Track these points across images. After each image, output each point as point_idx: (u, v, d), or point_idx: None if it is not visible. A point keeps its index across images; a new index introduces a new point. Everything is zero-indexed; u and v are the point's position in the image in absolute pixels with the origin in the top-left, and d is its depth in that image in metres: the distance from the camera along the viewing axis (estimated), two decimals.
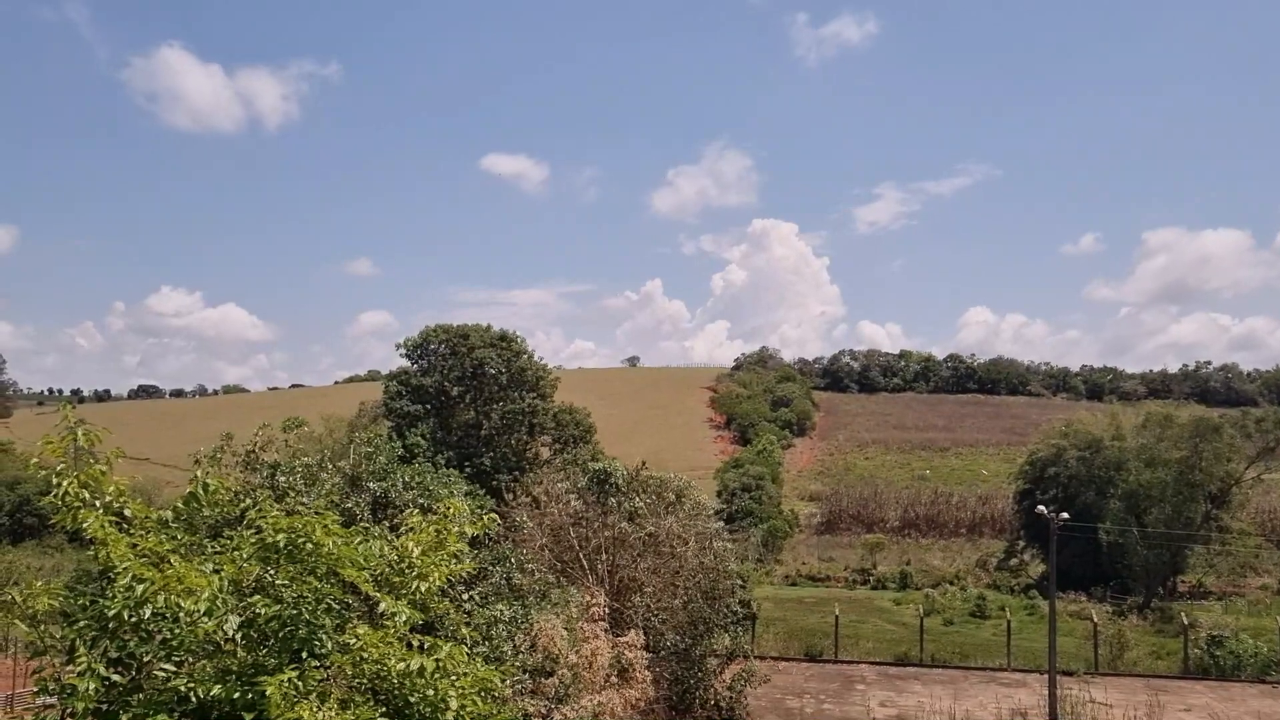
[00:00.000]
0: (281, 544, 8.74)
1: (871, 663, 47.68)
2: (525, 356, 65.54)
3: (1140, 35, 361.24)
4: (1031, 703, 39.68)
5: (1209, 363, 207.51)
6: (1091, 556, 65.57)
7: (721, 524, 37.15)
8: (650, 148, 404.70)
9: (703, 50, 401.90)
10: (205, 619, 7.98)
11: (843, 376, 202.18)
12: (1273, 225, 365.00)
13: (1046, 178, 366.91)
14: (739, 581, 36.55)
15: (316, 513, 9.23)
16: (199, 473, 9.48)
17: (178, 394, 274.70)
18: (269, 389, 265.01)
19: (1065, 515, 40.21)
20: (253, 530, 9.15)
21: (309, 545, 8.73)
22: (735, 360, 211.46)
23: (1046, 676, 38.72)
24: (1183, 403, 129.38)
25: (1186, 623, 48.06)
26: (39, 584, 8.70)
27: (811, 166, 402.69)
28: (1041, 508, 43.53)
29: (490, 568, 22.22)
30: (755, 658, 37.41)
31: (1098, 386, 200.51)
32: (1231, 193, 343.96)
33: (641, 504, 31.85)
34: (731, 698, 31.55)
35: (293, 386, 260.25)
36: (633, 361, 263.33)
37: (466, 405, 64.80)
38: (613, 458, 40.03)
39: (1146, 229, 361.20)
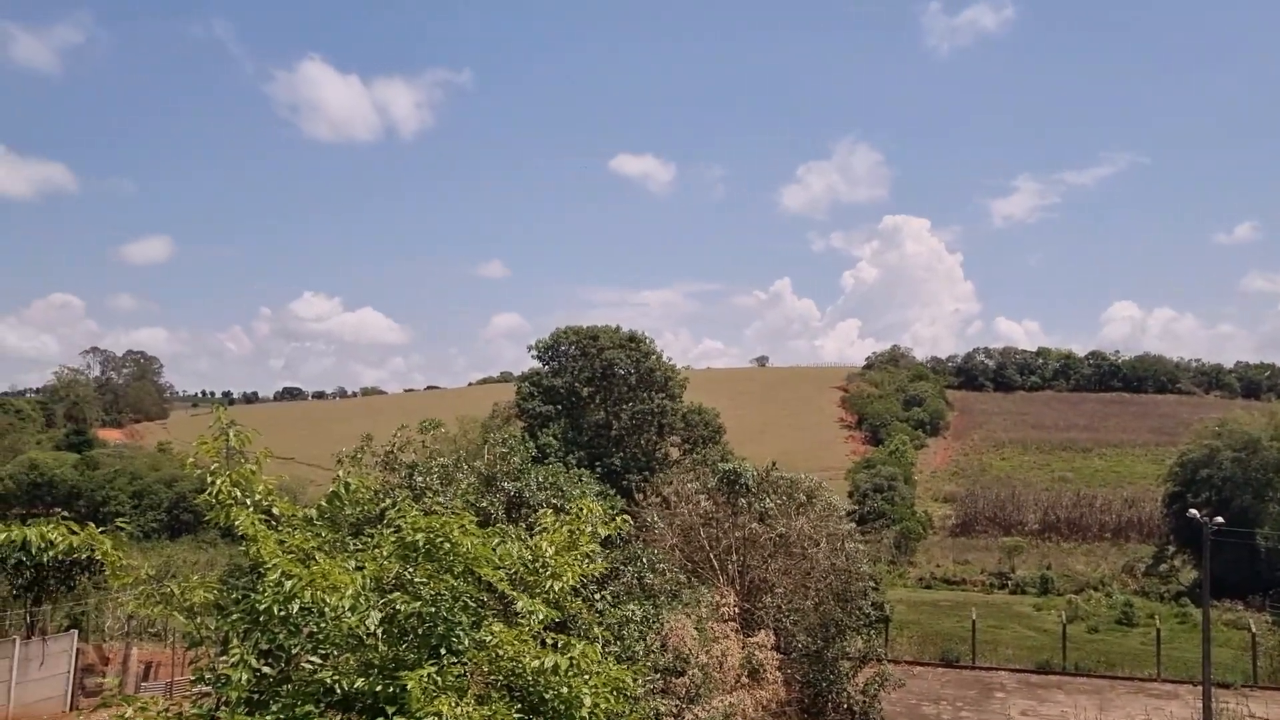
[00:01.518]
0: (420, 543, 8.96)
1: (1011, 669, 46.40)
2: (654, 357, 65.88)
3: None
4: (1184, 715, 38.05)
5: None
6: (1248, 563, 62.39)
7: (853, 525, 36.69)
8: (779, 144, 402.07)
9: (831, 43, 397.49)
10: (349, 614, 8.23)
11: (977, 375, 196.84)
12: None
13: (1198, 163, 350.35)
14: (871, 583, 36.00)
15: (453, 512, 9.45)
16: (341, 472, 9.78)
17: (319, 396, 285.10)
18: (405, 390, 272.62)
19: (1220, 519, 38.38)
20: (392, 529, 9.42)
21: (446, 544, 8.93)
22: (866, 359, 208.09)
23: (1200, 688, 36.98)
24: None
25: None
26: (195, 578, 9.14)
27: (944, 160, 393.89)
28: (1193, 511, 41.69)
29: (622, 567, 22.41)
30: (889, 661, 36.77)
31: (1254, 384, 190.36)
32: None
33: (772, 505, 31.67)
34: (865, 702, 31.07)
35: (428, 388, 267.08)
36: (761, 361, 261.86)
37: (596, 406, 65.49)
38: (742, 458, 39.90)
39: None
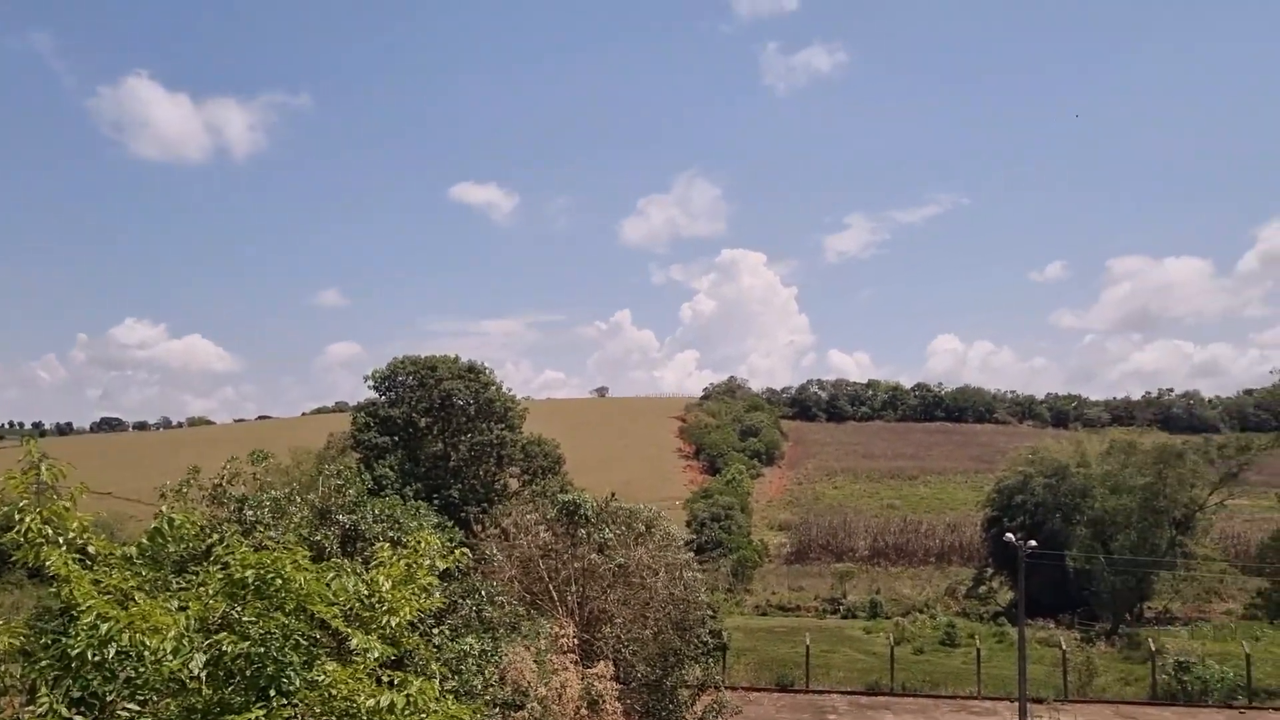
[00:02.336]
0: (249, 579, 8.63)
1: (843, 692, 47.62)
2: (494, 387, 65.34)
3: (1102, 70, 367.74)
4: None
5: (1171, 390, 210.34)
6: (1059, 583, 65.88)
7: (691, 554, 37.08)
8: (621, 177, 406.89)
9: (673, 79, 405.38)
10: (170, 657, 7.86)
11: (811, 406, 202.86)
12: (1233, 253, 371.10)
13: (1015, 205, 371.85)
14: (710, 612, 36.46)
15: (286, 547, 9.14)
16: (164, 507, 9.37)
17: (141, 427, 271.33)
18: (235, 421, 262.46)
19: (1033, 543, 40.51)
20: (219, 566, 9.04)
21: (278, 581, 8.63)
22: (704, 390, 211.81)
23: (1017, 704, 38.82)
24: (1146, 429, 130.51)
25: (1154, 649, 48.41)
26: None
27: (781, 196, 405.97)
28: (1009, 535, 43.83)
29: (460, 601, 22.05)
30: (727, 688, 37.24)
31: (1063, 414, 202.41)
32: (1193, 221, 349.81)
33: (611, 535, 31.73)
34: None
35: (260, 418, 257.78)
36: (602, 392, 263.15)
37: (434, 437, 64.45)
38: (582, 489, 39.90)
39: (1111, 256, 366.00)
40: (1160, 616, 69.72)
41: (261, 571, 8.65)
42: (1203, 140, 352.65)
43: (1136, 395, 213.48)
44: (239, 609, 8.65)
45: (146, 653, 7.81)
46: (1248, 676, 45.96)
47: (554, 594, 31.00)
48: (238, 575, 8.68)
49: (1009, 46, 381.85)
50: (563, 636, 26.52)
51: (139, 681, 7.95)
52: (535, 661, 22.52)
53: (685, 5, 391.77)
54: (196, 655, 7.99)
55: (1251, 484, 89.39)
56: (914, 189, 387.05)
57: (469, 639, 19.46)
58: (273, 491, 19.81)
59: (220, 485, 19.12)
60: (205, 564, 9.51)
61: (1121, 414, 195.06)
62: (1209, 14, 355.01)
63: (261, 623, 8.51)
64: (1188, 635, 57.71)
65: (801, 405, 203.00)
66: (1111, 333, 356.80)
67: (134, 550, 9.24)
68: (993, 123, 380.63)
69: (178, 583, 9.53)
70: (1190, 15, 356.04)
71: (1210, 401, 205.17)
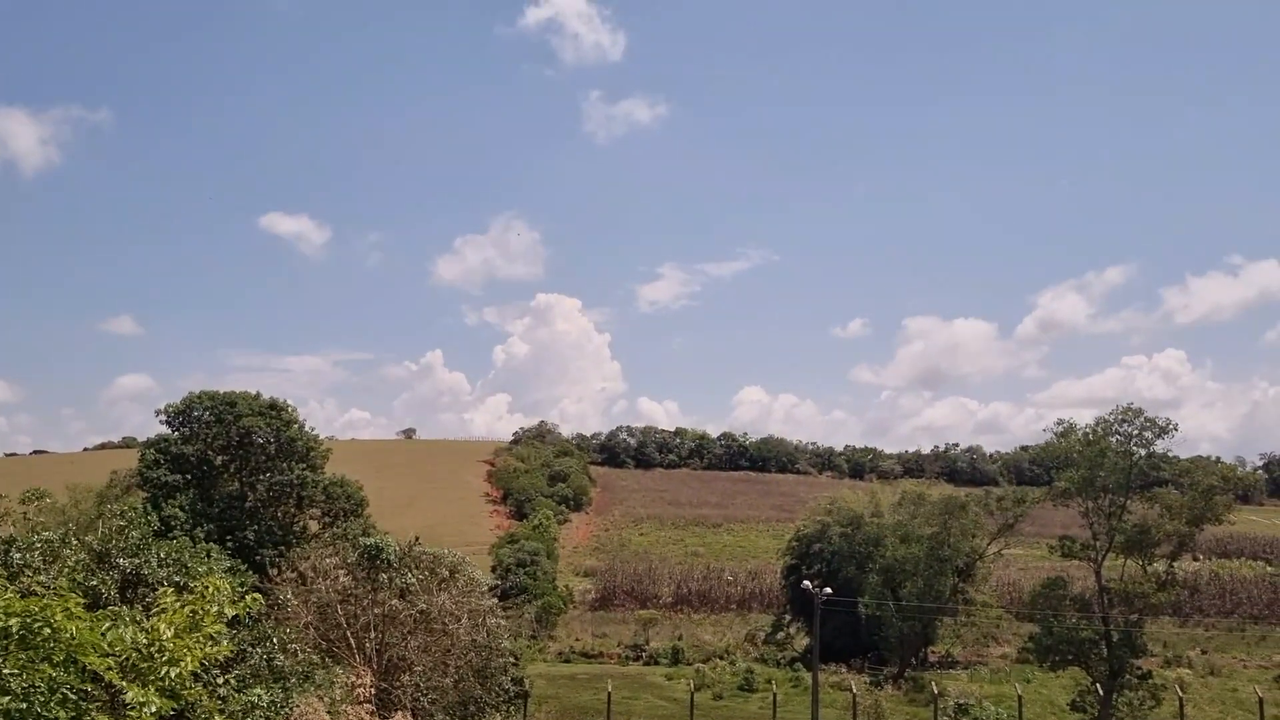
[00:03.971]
0: (13, 629, 8.03)
1: None
2: (296, 426, 63.11)
3: (899, 140, 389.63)
4: None
5: (957, 444, 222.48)
6: (852, 629, 68.39)
7: (495, 600, 36.70)
8: (438, 215, 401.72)
9: (496, 120, 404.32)
10: None
11: (620, 452, 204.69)
12: (1014, 317, 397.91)
13: (820, 263, 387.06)
14: (512, 659, 36.09)
15: (57, 593, 8.55)
16: None
17: None
18: (6, 455, 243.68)
19: (828, 590, 41.96)
20: None
21: (46, 630, 8.05)
22: (514, 434, 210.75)
23: None
24: (934, 481, 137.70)
25: (936, 691, 50.74)
26: None
27: (597, 243, 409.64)
28: (806, 583, 45.28)
29: (250, 649, 21.06)
30: None
31: (860, 465, 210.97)
32: (979, 285, 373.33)
33: (414, 580, 31.10)
34: None
35: (35, 453, 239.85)
36: (409, 433, 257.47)
37: (231, 476, 61.66)
38: (385, 532, 38.96)
39: (907, 315, 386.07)
40: (943, 661, 73.16)
41: (27, 620, 8.06)
42: (990, 208, 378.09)
43: (927, 449, 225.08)
44: (1, 661, 8.03)
45: None
46: (1020, 717, 48.72)
47: (352, 641, 30.06)
48: (0, 625, 8.05)
49: (818, 111, 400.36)
50: (359, 686, 25.71)
51: None
52: (328, 712, 21.74)
53: (511, 49, 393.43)
54: None
55: (1025, 534, 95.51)
56: (726, 243, 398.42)
57: (258, 690, 18.58)
58: (45, 533, 18.50)
59: None
60: None
61: (913, 466, 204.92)
62: (996, 90, 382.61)
63: (26, 675, 7.91)
64: (967, 678, 60.82)
65: (611, 452, 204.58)
66: (905, 389, 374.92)
67: None
68: (802, 182, 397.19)
69: None
70: (978, 91, 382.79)
71: (991, 456, 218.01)
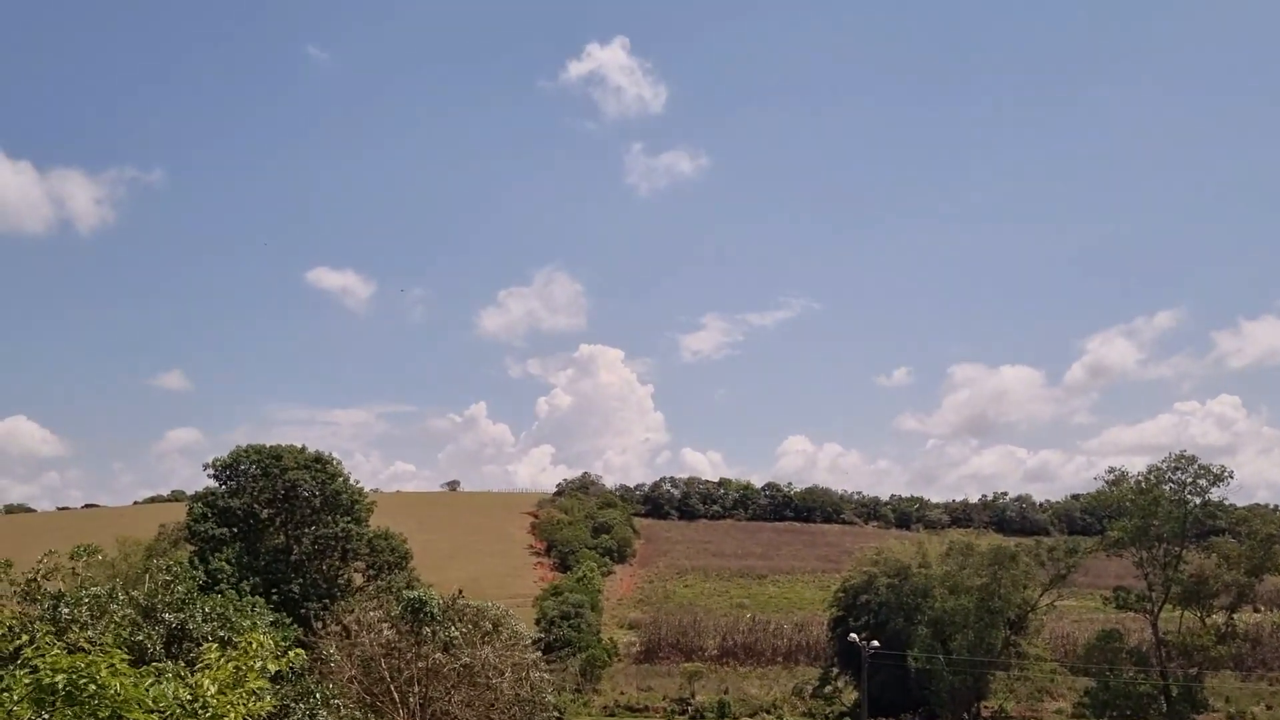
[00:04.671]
0: (60, 685, 8.06)
1: None
2: (340, 479, 63.54)
3: (942, 185, 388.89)
4: None
5: (1005, 493, 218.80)
6: (901, 683, 67.06)
7: (539, 654, 36.49)
8: (481, 268, 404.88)
9: (538, 173, 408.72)
10: None
11: (663, 503, 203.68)
12: (1061, 364, 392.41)
13: (863, 312, 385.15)
14: (555, 713, 35.75)
15: (103, 649, 8.60)
16: None
17: None
18: (58, 509, 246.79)
19: (876, 643, 41.31)
20: (27, 670, 8.42)
21: (91, 686, 8.08)
22: (557, 486, 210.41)
23: None
24: (982, 531, 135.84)
25: None
26: None
27: (639, 294, 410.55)
28: (853, 635, 44.60)
29: (293, 704, 21.04)
30: None
31: (906, 515, 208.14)
32: (1026, 331, 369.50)
33: (457, 633, 31.00)
34: None
35: (86, 506, 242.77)
36: (453, 485, 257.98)
37: (276, 529, 62.10)
38: (429, 585, 38.98)
39: (951, 363, 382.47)
40: (996, 716, 71.50)
41: (74, 676, 8.10)
42: (1035, 253, 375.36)
43: (974, 498, 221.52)
44: (46, 717, 8.06)
45: None
46: None
47: (395, 695, 29.96)
48: (47, 680, 8.10)
49: (858, 159, 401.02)
50: None
51: None
52: None
53: (553, 103, 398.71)
54: None
55: (1079, 585, 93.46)
56: (768, 292, 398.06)
57: None
58: (94, 588, 18.66)
59: (34, 581, 17.92)
60: (12, 668, 8.85)
61: (960, 516, 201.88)
62: (1039, 133, 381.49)
63: None
64: None
65: (654, 503, 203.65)
66: (952, 437, 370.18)
67: None
68: (844, 230, 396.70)
69: None
70: (1021, 136, 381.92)
71: (1041, 505, 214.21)
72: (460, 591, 34.25)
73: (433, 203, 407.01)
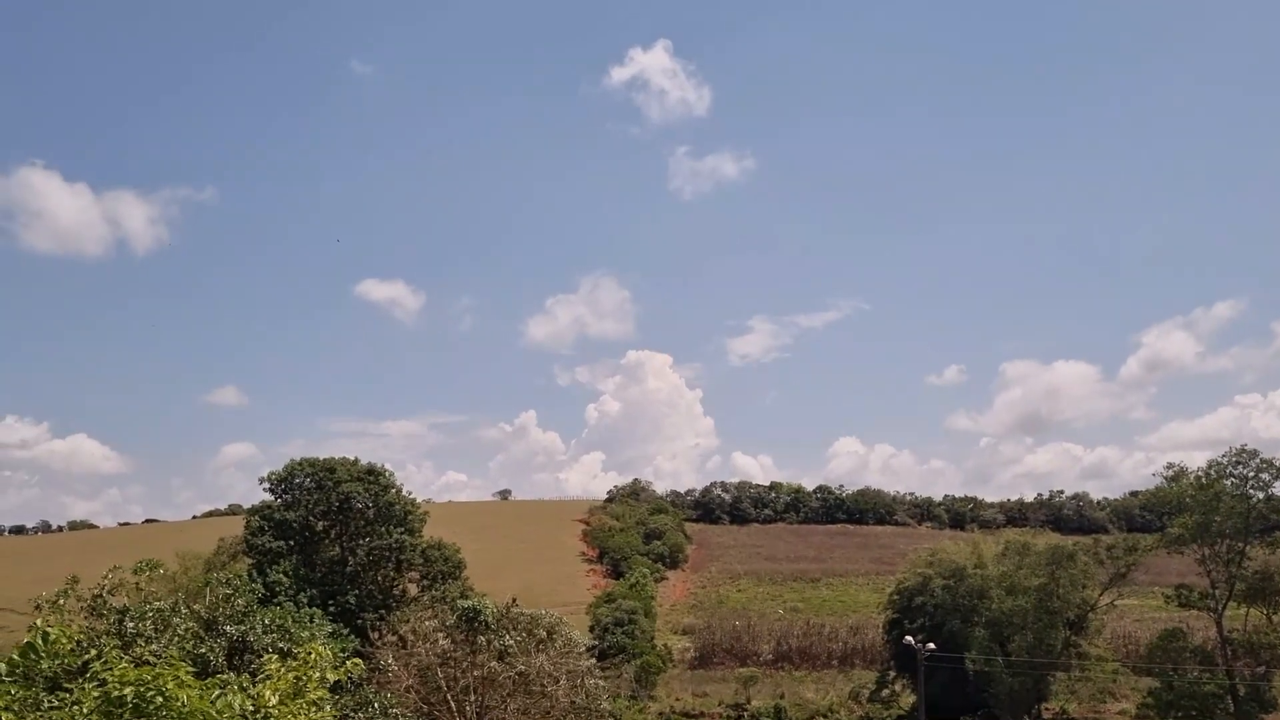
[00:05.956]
0: (128, 698, 8.26)
1: None
2: (393, 490, 64.23)
3: (990, 181, 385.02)
4: None
5: (1062, 491, 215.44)
6: (959, 685, 66.30)
7: (594, 661, 36.58)
8: (527, 277, 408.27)
9: (583, 179, 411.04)
10: None
11: (715, 508, 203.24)
12: (1117, 358, 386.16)
13: (912, 311, 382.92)
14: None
15: (168, 662, 8.79)
16: (39, 620, 8.95)
17: (18, 531, 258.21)
18: (120, 524, 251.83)
19: (931, 645, 40.90)
20: (96, 683, 8.63)
21: (159, 699, 8.26)
22: (608, 493, 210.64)
23: None
24: (1039, 530, 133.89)
25: None
26: None
27: (686, 298, 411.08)
28: (909, 638, 44.19)
29: (352, 714, 21.31)
30: None
31: (960, 515, 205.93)
32: (1079, 326, 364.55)
33: (512, 642, 31.18)
34: None
35: (146, 521, 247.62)
36: (505, 494, 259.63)
37: (332, 541, 62.91)
38: (483, 594, 39.21)
39: (1003, 360, 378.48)
40: (1058, 717, 70.46)
41: (141, 689, 8.30)
42: (1086, 245, 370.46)
43: (1029, 497, 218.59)
44: None
45: None
46: None
47: (452, 704, 30.18)
48: (115, 693, 8.30)
49: (904, 157, 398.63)
50: None
51: None
52: None
53: (597, 108, 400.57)
54: None
55: (1139, 584, 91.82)
56: (816, 294, 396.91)
57: None
58: (157, 602, 19.03)
59: (100, 596, 18.32)
60: (81, 681, 9.09)
61: (1015, 515, 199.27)
62: (1087, 125, 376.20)
63: None
64: None
65: (705, 508, 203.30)
66: (1005, 435, 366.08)
67: (3, 668, 8.78)
68: (891, 230, 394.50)
69: (50, 702, 9.07)
70: (1067, 127, 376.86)
71: (1099, 503, 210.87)
72: (514, 600, 34.44)
73: (478, 212, 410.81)
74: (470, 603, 32.88)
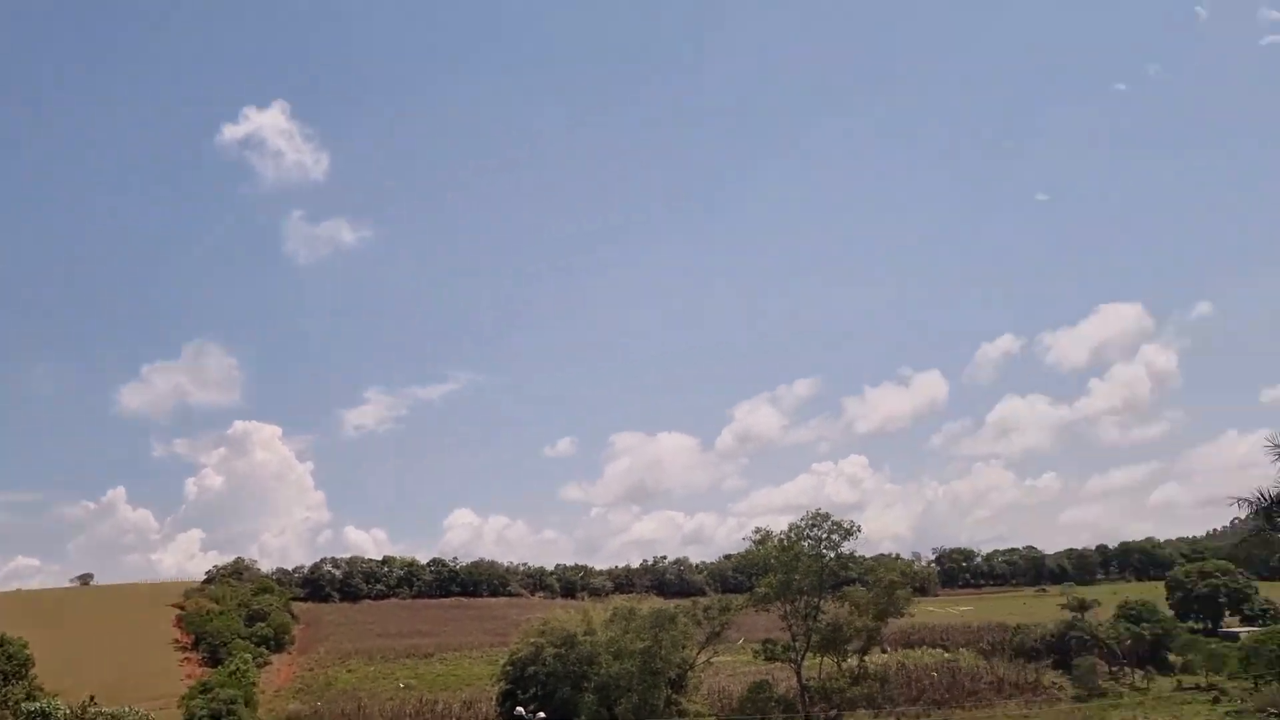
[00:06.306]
0: None
1: None
2: None
3: (603, 269, 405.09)
4: None
5: (665, 557, 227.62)
6: None
7: None
8: (121, 341, 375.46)
9: (187, 237, 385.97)
10: None
11: (325, 585, 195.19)
12: (714, 430, 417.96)
13: (530, 383, 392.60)
14: None
15: None
16: None
17: None
18: None
19: (542, 715, 41.59)
20: None
21: None
22: (207, 573, 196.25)
23: None
24: (644, 595, 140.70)
25: None
26: None
27: (299, 367, 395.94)
28: (520, 709, 44.72)
29: None
30: None
31: (571, 584, 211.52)
32: (682, 400, 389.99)
33: None
34: None
35: None
36: (86, 579, 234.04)
37: None
38: (54, 694, 35.27)
39: (613, 432, 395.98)
40: None
41: None
42: (695, 323, 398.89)
43: (636, 563, 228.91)
44: None
45: None
46: None
47: None
48: None
49: (524, 234, 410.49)
50: None
51: None
52: None
53: (204, 166, 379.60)
54: None
55: (732, 640, 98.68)
56: (434, 365, 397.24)
57: None
58: None
59: None
60: None
61: (623, 582, 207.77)
62: (682, 232, 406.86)
63: None
64: None
65: (315, 585, 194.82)
66: (614, 504, 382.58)
67: None
68: (504, 305, 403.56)
69: None
70: (658, 236, 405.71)
71: (697, 566, 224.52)
72: (92, 698, 31.27)
73: (70, 273, 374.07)
74: (38, 705, 29.48)
